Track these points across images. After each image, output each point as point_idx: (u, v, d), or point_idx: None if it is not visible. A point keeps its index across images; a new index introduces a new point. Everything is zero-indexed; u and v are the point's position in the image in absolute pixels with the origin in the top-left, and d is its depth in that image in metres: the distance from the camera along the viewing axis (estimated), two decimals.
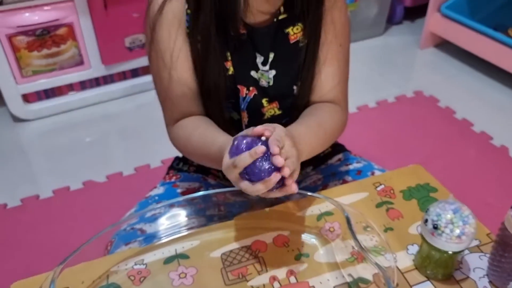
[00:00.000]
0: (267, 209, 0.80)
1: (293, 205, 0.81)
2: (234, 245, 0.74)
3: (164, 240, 0.76)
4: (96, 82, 1.83)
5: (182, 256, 0.72)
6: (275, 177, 0.58)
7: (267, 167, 0.59)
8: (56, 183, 1.47)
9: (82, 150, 1.64)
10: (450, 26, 2.03)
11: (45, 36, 1.61)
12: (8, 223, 1.35)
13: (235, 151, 0.60)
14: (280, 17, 0.80)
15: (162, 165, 1.51)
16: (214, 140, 0.74)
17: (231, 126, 0.86)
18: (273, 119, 0.86)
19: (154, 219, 0.81)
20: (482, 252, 0.72)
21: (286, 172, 0.59)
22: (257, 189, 0.60)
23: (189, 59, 0.81)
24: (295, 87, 0.86)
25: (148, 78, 1.90)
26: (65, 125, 1.75)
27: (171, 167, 1.03)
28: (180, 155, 1.03)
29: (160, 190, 0.94)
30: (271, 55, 0.82)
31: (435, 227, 0.62)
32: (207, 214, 0.85)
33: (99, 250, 0.79)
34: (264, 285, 0.68)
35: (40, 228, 1.32)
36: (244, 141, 0.60)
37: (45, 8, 1.57)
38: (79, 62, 1.72)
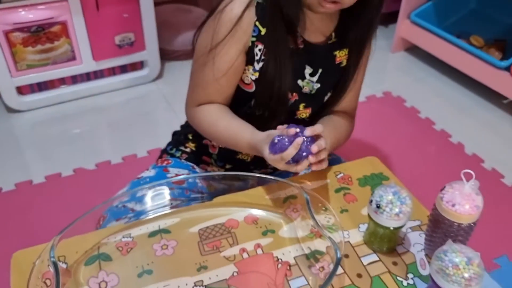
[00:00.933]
0: (241, 193, 0.90)
1: (264, 190, 0.90)
2: (210, 222, 0.83)
3: (149, 217, 0.84)
4: (87, 76, 1.89)
5: (165, 231, 0.81)
6: (312, 159, 0.77)
7: (304, 154, 0.76)
8: (48, 169, 1.54)
9: (73, 140, 1.70)
10: (418, 32, 2.14)
11: (39, 33, 1.67)
12: (3, 205, 1.41)
13: (280, 147, 0.76)
14: (331, 41, 0.92)
15: (148, 155, 1.58)
16: (241, 133, 0.87)
17: (258, 120, 0.94)
18: (300, 120, 0.98)
19: (142, 198, 0.88)
20: (422, 230, 0.82)
21: (322, 154, 0.78)
22: (300, 168, 0.77)
23: (237, 74, 0.90)
24: (325, 97, 0.98)
25: (136, 74, 1.97)
26: (57, 116, 1.81)
27: (164, 151, 1.12)
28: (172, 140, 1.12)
29: (151, 172, 1.02)
30: (320, 70, 0.93)
31: (378, 207, 0.72)
32: (191, 197, 0.94)
33: (92, 226, 0.86)
34: (234, 255, 0.77)
35: (34, 209, 1.38)
36: (286, 139, 0.76)
37: (40, 7, 1.63)
38: (71, 57, 1.78)
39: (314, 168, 0.80)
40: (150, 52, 1.93)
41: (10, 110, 1.81)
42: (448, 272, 0.61)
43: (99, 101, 1.89)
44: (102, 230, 0.83)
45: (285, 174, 1.08)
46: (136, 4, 1.78)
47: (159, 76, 2.03)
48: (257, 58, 0.88)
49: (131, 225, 0.82)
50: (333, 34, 0.92)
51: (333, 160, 1.09)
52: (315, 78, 0.94)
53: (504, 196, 1.49)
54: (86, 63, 1.82)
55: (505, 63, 1.79)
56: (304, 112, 0.97)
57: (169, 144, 1.13)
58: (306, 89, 0.94)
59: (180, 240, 0.79)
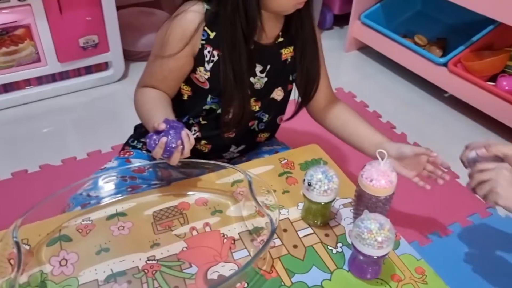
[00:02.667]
0: (194, 179, 0.96)
1: (214, 175, 0.97)
2: (164, 205, 0.89)
3: (107, 202, 0.90)
4: (52, 77, 1.91)
5: (122, 214, 0.87)
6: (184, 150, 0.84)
7: (173, 146, 0.83)
8: (15, 166, 1.56)
9: (39, 138, 1.72)
10: (368, 32, 2.25)
11: (3, 36, 1.68)
12: None
13: (149, 145, 0.84)
14: (278, 41, 1.00)
15: (112, 151, 1.63)
16: (152, 117, 0.90)
17: (214, 112, 1.02)
18: (251, 113, 1.05)
19: (105, 185, 0.95)
20: (352, 207, 0.91)
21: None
22: (172, 161, 0.84)
23: (182, 72, 0.98)
24: (273, 92, 1.05)
25: (100, 75, 2.01)
26: (23, 116, 1.82)
27: (126, 143, 1.18)
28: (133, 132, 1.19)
29: (114, 163, 1.08)
30: (268, 67, 1.01)
31: (309, 184, 0.80)
32: (151, 184, 1.00)
33: (56, 213, 0.91)
34: (185, 233, 0.84)
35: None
36: (154, 136, 0.83)
37: (4, 11, 1.65)
38: (36, 59, 1.80)
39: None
40: (114, 54, 1.97)
41: None
42: (364, 236, 0.70)
43: (64, 101, 1.92)
44: (63, 215, 0.88)
45: (238, 162, 1.16)
46: (99, 8, 1.82)
47: (124, 76, 2.07)
48: (207, 59, 0.96)
49: (90, 209, 0.88)
50: (280, 33, 1.00)
51: (282, 149, 1.18)
52: (263, 74, 1.02)
53: None
54: (51, 64, 1.85)
55: (443, 60, 1.92)
56: (254, 105, 1.04)
57: (130, 137, 1.19)
58: (257, 85, 1.02)
59: (136, 222, 0.86)
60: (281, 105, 1.11)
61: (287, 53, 1.03)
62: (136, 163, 1.08)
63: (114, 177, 0.97)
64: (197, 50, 0.95)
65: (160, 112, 0.92)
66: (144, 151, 1.13)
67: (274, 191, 0.90)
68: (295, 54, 1.03)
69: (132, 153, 1.12)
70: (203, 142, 1.09)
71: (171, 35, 0.94)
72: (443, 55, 2.01)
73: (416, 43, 2.13)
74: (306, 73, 1.05)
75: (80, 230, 0.83)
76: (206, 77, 0.98)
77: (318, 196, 0.80)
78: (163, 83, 0.99)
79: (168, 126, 0.83)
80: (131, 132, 1.20)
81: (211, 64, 0.96)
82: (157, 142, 0.82)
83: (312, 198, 0.81)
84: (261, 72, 1.01)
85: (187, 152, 0.84)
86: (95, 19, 1.83)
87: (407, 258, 0.81)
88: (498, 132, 1.79)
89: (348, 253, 0.80)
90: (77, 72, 1.97)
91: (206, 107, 1.02)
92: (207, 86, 0.99)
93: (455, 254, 1.28)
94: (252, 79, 1.00)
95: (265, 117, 1.09)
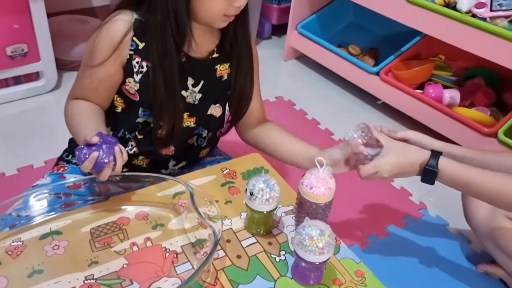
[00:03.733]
0: (133, 192, 0.94)
1: (155, 188, 0.95)
2: (102, 221, 0.86)
3: (40, 220, 0.85)
4: None
5: (56, 232, 0.83)
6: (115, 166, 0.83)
7: (104, 161, 0.81)
8: None
9: None
10: (305, 42, 2.31)
11: None
12: None
13: (79, 158, 0.81)
14: (212, 56, 0.99)
15: (45, 165, 1.54)
16: (82, 130, 0.87)
17: (148, 126, 1.00)
18: (187, 129, 1.03)
19: (36, 204, 0.89)
20: (294, 214, 0.92)
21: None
22: (102, 176, 0.82)
23: (112, 83, 0.95)
24: (210, 108, 1.04)
25: (31, 85, 1.90)
26: None
27: (60, 158, 1.12)
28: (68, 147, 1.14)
29: (47, 180, 1.02)
30: (202, 82, 0.99)
31: (251, 194, 0.80)
32: (88, 199, 0.95)
33: None
34: (125, 249, 0.81)
35: None
36: (85, 150, 0.81)
37: None
38: None
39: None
40: (46, 63, 1.87)
41: None
42: (305, 243, 0.71)
43: None
44: None
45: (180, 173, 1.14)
46: (28, 15, 1.72)
47: (57, 86, 1.98)
48: (135, 70, 0.94)
49: (21, 229, 0.83)
50: (215, 49, 1.00)
51: (224, 159, 1.18)
52: (197, 89, 1.00)
53: (379, 183, 1.67)
54: None
55: (376, 69, 2.01)
56: (188, 120, 1.02)
57: (65, 151, 1.13)
58: (189, 99, 1.00)
59: (72, 240, 0.81)
60: (221, 120, 1.11)
61: (222, 69, 1.02)
62: (71, 178, 1.03)
63: (47, 194, 0.92)
64: (125, 61, 0.93)
65: (91, 125, 0.89)
66: (79, 166, 1.08)
67: (217, 201, 0.90)
68: (231, 71, 1.03)
69: (66, 168, 1.06)
70: (140, 157, 1.06)
71: (99, 44, 0.92)
72: (375, 64, 2.11)
73: (350, 53, 2.21)
74: (239, 90, 1.05)
75: (10, 252, 0.78)
76: (136, 88, 0.96)
77: (260, 205, 0.81)
78: (94, 94, 0.96)
79: (101, 140, 0.80)
80: (66, 145, 1.15)
81: (140, 75, 0.94)
82: (87, 156, 0.79)
83: (254, 207, 0.81)
84: (193, 86, 1.00)
85: (119, 169, 0.82)
86: (23, 26, 1.73)
87: (347, 262, 0.83)
88: None
89: (291, 260, 0.81)
90: (5, 83, 1.85)
91: (139, 120, 1.00)
92: (137, 98, 0.97)
93: (392, 255, 1.34)
94: (183, 92, 0.99)
95: (204, 133, 1.08)
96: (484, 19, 1.56)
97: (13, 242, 0.80)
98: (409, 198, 1.59)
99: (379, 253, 1.34)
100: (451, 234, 1.46)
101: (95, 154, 0.78)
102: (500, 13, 1.54)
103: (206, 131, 1.08)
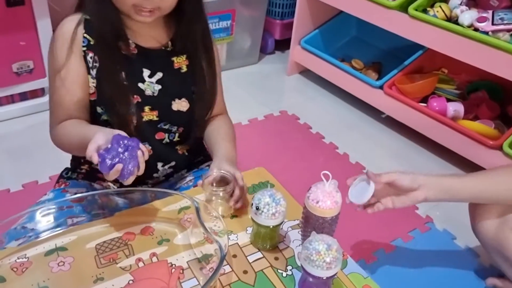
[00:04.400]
0: (139, 207, 0.93)
1: (160, 203, 0.95)
2: (107, 237, 0.86)
3: (45, 236, 0.85)
4: None
5: (61, 248, 0.82)
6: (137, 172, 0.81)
7: (129, 171, 0.79)
8: None
9: None
10: (308, 57, 2.33)
11: None
12: None
13: (102, 168, 0.78)
14: (167, 48, 1.00)
15: (50, 181, 1.54)
16: (86, 137, 0.83)
17: (110, 126, 0.97)
18: (150, 123, 1.01)
19: (42, 218, 0.89)
20: (300, 229, 0.92)
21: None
22: (127, 183, 0.80)
23: (80, 75, 0.95)
24: (173, 103, 1.02)
25: (36, 101, 1.91)
26: None
27: (60, 177, 1.11)
28: (69, 165, 1.13)
29: (50, 196, 1.02)
30: (160, 74, 1.00)
31: (257, 208, 0.80)
32: (92, 213, 0.95)
33: None
34: (130, 265, 0.80)
35: None
36: (107, 158, 0.78)
37: None
38: None
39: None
40: None
41: None
42: (312, 258, 0.70)
43: None
44: None
45: (185, 186, 1.13)
46: (34, 32, 1.75)
47: None
48: (90, 65, 0.95)
49: (26, 246, 0.82)
50: (170, 42, 1.01)
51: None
52: (154, 79, 1.00)
53: None
54: None
55: (379, 83, 2.02)
56: (150, 114, 1.01)
57: (65, 169, 1.13)
58: (148, 92, 1.00)
59: (77, 256, 0.81)
60: (191, 115, 1.07)
61: (179, 61, 1.02)
62: (73, 192, 1.03)
63: (51, 209, 0.91)
64: (81, 58, 0.95)
65: (93, 128, 0.90)
66: (80, 180, 1.08)
67: (223, 216, 0.89)
68: (189, 63, 1.03)
69: (68, 183, 1.06)
70: None
71: (56, 47, 0.94)
72: (379, 78, 2.12)
73: (353, 67, 2.22)
74: (199, 83, 1.04)
75: (15, 269, 0.77)
76: (95, 85, 0.96)
77: (266, 220, 0.80)
78: (74, 104, 0.96)
79: (119, 144, 0.78)
80: (69, 160, 1.14)
81: (95, 70, 0.96)
82: (112, 167, 0.77)
83: (260, 221, 0.81)
84: (150, 76, 0.99)
85: (141, 171, 0.82)
86: (29, 43, 1.76)
87: (355, 276, 0.82)
88: (429, 149, 1.88)
89: (298, 275, 0.80)
90: (11, 99, 1.86)
91: (104, 117, 0.99)
92: (95, 97, 0.97)
93: (400, 269, 1.33)
94: (141, 84, 0.99)
95: (174, 129, 1.05)
96: (486, 33, 1.57)
97: (18, 258, 0.79)
98: (416, 212, 1.58)
99: (387, 267, 1.32)
100: (459, 248, 1.44)
101: (119, 166, 0.77)
102: (502, 26, 1.55)
103: (175, 127, 1.05)
